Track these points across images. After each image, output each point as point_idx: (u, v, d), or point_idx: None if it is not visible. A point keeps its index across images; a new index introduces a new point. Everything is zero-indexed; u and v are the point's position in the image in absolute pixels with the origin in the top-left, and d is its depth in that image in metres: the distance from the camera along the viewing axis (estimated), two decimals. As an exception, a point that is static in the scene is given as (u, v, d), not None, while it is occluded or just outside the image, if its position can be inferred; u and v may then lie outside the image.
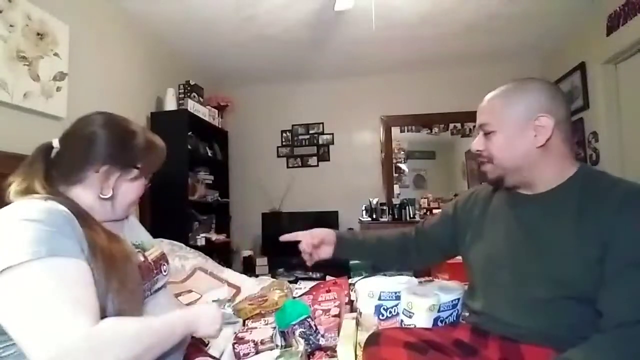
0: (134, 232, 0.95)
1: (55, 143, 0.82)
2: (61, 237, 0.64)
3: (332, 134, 3.99)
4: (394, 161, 3.92)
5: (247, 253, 3.66)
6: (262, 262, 3.56)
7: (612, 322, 0.67)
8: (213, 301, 1.44)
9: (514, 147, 0.82)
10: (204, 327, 0.80)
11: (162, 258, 0.94)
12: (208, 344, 1.12)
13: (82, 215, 0.73)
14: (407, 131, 3.94)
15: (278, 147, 4.07)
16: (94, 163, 0.80)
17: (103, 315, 0.65)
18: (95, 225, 0.75)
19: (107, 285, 0.68)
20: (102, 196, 0.80)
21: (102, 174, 0.80)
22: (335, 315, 1.24)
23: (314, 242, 1.08)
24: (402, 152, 3.97)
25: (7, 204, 0.70)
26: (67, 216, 0.68)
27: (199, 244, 2.88)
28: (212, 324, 0.82)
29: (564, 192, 0.80)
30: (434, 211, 3.62)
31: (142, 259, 0.86)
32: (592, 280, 0.70)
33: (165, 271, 0.93)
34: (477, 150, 0.89)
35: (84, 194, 0.80)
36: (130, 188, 0.85)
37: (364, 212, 3.60)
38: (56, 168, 0.80)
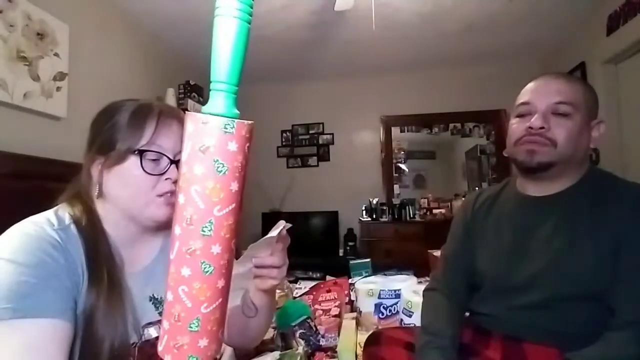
0: None
1: None
2: (40, 291, 0.53)
3: (332, 134, 3.99)
4: (394, 161, 3.92)
5: (247, 253, 3.66)
6: (262, 262, 3.56)
7: (627, 319, 0.68)
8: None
9: (580, 138, 0.78)
10: None
11: None
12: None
13: (93, 250, 0.61)
14: (407, 131, 3.94)
15: (278, 147, 4.08)
16: (87, 161, 0.65)
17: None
18: (102, 263, 0.61)
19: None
20: (97, 199, 0.65)
21: (90, 170, 0.65)
22: (335, 315, 1.24)
23: None
24: (402, 152, 3.97)
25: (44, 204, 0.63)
26: (62, 249, 0.57)
27: (199, 244, 2.86)
28: None
29: (575, 194, 0.80)
30: (434, 211, 3.62)
31: (154, 334, 0.65)
32: (605, 280, 0.71)
33: None
34: (541, 128, 0.77)
35: (102, 208, 0.65)
36: (117, 172, 0.63)
37: (364, 212, 3.61)
38: None
